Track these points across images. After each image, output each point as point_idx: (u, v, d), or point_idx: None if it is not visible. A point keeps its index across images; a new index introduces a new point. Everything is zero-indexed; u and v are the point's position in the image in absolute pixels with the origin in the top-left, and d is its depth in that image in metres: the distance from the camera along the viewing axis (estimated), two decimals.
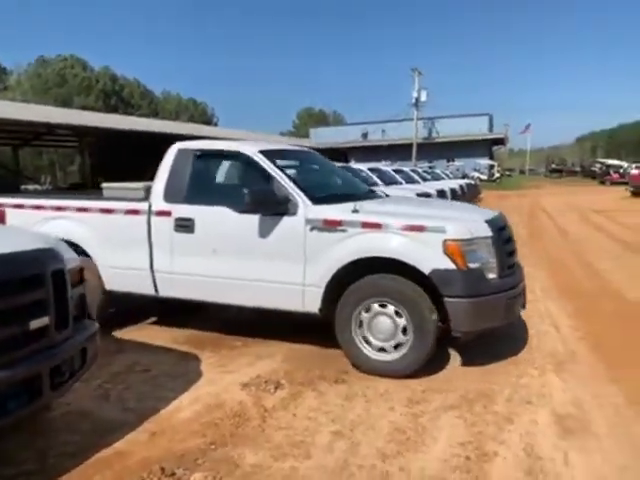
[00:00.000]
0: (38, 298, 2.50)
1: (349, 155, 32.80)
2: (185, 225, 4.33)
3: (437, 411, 3.24)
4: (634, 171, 28.95)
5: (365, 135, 35.81)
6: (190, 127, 27.87)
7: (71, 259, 2.87)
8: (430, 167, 24.75)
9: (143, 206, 4.54)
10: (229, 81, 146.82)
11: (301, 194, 4.04)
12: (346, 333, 3.88)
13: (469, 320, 3.65)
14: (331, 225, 3.88)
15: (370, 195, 4.98)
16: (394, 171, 14.73)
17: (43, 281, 2.53)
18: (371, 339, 3.82)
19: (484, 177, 38.27)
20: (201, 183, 4.67)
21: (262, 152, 4.37)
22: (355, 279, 3.84)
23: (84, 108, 36.86)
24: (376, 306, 3.78)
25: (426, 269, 3.61)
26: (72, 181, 32.88)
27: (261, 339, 4.61)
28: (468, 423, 3.08)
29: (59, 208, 4.91)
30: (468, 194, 17.12)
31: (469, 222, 3.87)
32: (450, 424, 3.08)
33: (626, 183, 28.86)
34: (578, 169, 60.24)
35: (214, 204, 4.32)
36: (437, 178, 19.18)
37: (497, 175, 42.53)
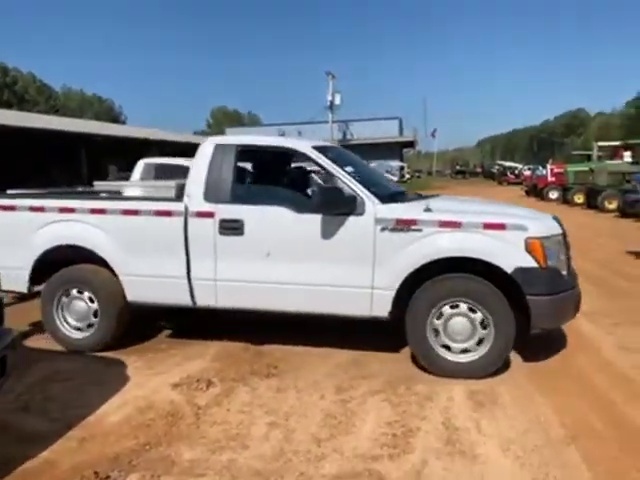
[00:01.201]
0: None
1: None
2: (232, 227, 3.95)
3: (364, 396, 3.45)
4: (527, 172, 31.91)
5: (282, 137, 36.05)
6: (101, 125, 26.33)
7: None
8: None
9: (178, 206, 4.09)
10: (138, 79, 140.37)
11: (367, 192, 3.83)
12: (419, 336, 3.72)
13: (550, 317, 3.68)
14: (405, 225, 3.69)
15: (414, 194, 4.78)
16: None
17: None
18: (448, 341, 3.71)
19: (395, 178, 39.93)
20: (248, 181, 4.29)
21: (315, 148, 4.14)
22: (424, 280, 3.70)
23: None
24: (463, 306, 3.67)
25: (509, 268, 3.54)
26: None
27: (187, 340, 4.59)
28: (393, 404, 3.32)
29: (66, 210, 4.32)
30: None
31: (543, 220, 3.90)
32: (377, 406, 3.30)
33: (521, 183, 31.71)
34: (479, 170, 64.77)
35: (266, 204, 4.02)
36: None
37: (407, 176, 44.60)
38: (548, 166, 24.32)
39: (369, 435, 2.94)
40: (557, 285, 3.64)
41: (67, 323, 4.38)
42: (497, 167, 51.69)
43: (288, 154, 4.34)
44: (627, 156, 20.85)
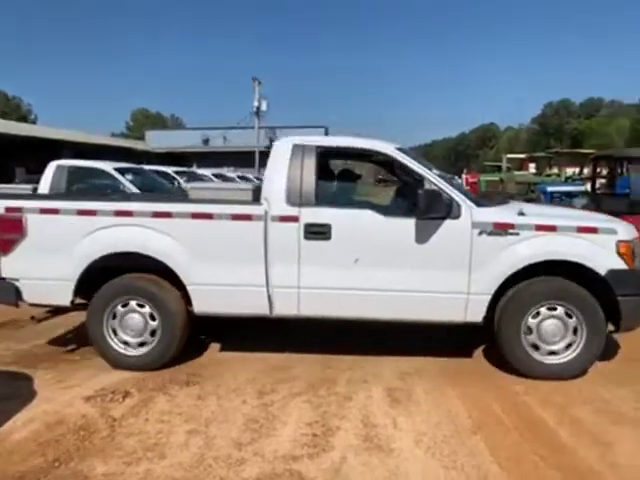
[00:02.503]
0: None
1: (190, 160, 32.03)
2: (319, 232, 3.76)
3: (286, 399, 3.49)
4: None
5: (206, 141, 35.27)
6: (5, 124, 24.34)
7: None
8: None
9: (257, 210, 3.83)
10: (50, 77, 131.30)
11: (462, 196, 3.79)
12: (514, 340, 3.74)
13: (638, 317, 3.79)
14: (502, 228, 3.69)
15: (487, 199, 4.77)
16: (239, 177, 14.97)
17: None
18: (540, 343, 3.76)
19: None
20: (333, 183, 4.11)
21: (399, 150, 4.02)
22: (513, 284, 3.74)
23: None
24: (560, 310, 3.73)
25: (602, 270, 3.65)
26: None
27: None
28: (314, 405, 3.39)
29: (124, 213, 3.89)
30: None
31: (625, 223, 4.00)
32: (298, 408, 3.35)
33: None
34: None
35: (355, 207, 3.91)
36: None
37: None
38: (463, 176, 25.82)
39: (290, 436, 2.98)
40: None
41: (119, 339, 3.97)
42: None
43: (369, 156, 4.27)
44: (532, 167, 22.69)
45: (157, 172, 10.02)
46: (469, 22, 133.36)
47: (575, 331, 3.75)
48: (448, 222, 3.71)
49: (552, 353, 3.79)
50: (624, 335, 4.20)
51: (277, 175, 3.90)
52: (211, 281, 3.87)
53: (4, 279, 4.00)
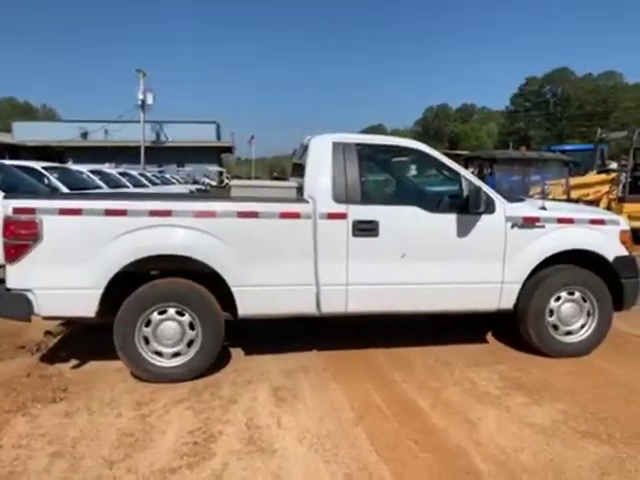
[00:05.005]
0: None
1: (66, 155, 29.36)
2: (367, 228, 3.81)
3: (166, 407, 3.31)
4: None
5: (85, 135, 32.68)
6: None
7: None
8: (160, 171, 24.28)
9: (306, 207, 3.75)
10: None
11: (494, 192, 4.06)
12: (539, 323, 4.10)
13: (636, 296, 4.28)
14: (530, 222, 4.03)
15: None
16: (120, 174, 14.00)
17: None
18: (559, 324, 4.18)
19: (214, 183, 39.53)
20: (377, 181, 4.16)
21: (429, 149, 4.22)
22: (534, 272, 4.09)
23: None
24: (566, 294, 4.16)
25: (610, 257, 4.16)
26: None
27: None
28: (196, 411, 3.25)
29: (161, 213, 3.57)
30: None
31: (621, 216, 4.52)
32: (179, 416, 3.19)
33: None
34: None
35: (400, 203, 4.02)
36: (167, 183, 19.00)
37: (226, 181, 44.55)
38: None
39: (169, 447, 2.82)
40: (637, 269, 4.36)
41: (150, 348, 3.67)
42: None
43: (409, 153, 4.33)
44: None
45: (21, 168, 8.97)
46: (354, 23, 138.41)
47: (588, 313, 4.24)
48: (485, 217, 4.00)
49: (569, 333, 4.24)
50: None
51: (321, 172, 3.91)
52: (258, 282, 3.76)
53: (9, 290, 3.48)
